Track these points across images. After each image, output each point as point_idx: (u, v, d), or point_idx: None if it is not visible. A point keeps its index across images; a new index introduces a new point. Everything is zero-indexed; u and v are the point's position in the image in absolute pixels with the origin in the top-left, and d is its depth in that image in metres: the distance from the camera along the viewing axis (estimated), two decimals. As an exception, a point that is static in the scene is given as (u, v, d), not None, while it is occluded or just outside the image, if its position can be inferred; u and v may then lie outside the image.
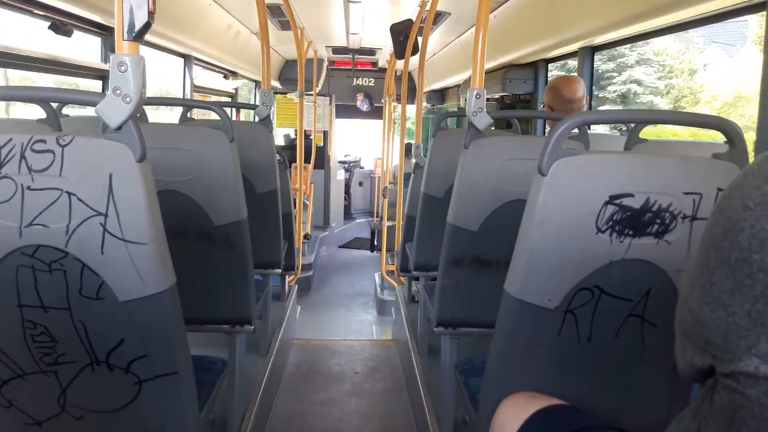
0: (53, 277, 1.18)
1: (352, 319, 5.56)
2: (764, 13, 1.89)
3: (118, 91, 1.10)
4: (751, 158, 1.76)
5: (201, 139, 1.96)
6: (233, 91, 6.42)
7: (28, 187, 1.13)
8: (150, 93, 1.12)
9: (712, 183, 1.20)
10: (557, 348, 1.33)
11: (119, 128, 1.12)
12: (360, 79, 8.59)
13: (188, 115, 2.76)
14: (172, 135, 1.97)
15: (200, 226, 2.00)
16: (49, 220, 1.15)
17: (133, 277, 1.19)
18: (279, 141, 8.55)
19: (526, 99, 4.33)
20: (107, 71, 3.20)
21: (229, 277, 2.09)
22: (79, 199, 1.14)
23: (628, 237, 1.23)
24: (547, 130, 3.81)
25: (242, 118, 6.87)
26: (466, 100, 1.86)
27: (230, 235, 2.03)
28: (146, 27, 1.10)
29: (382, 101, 7.04)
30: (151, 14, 1.10)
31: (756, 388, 0.43)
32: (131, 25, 1.09)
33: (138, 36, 1.10)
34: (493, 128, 1.98)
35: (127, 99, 1.10)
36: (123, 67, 1.10)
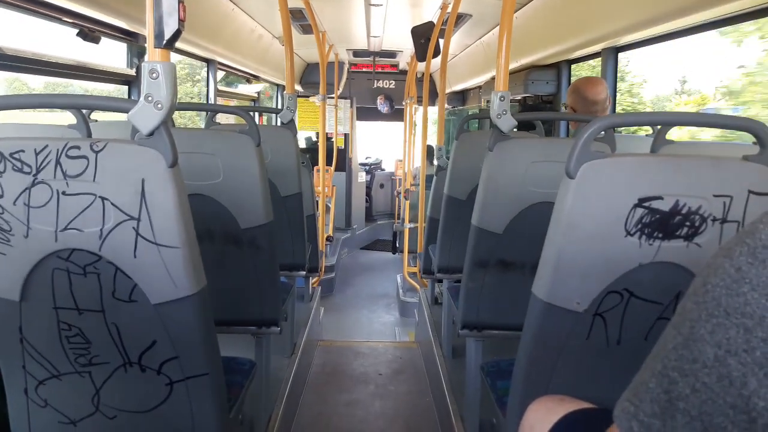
0: (87, 280, 1.21)
1: (374, 321, 5.57)
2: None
3: (150, 98, 1.12)
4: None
5: (228, 143, 1.98)
6: (256, 95, 6.47)
7: (63, 192, 1.16)
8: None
9: (742, 185, 1.19)
10: (586, 351, 1.32)
11: (151, 134, 1.14)
12: (381, 81, 8.60)
13: (213, 119, 2.80)
14: (200, 139, 2.00)
15: (227, 229, 2.02)
16: (83, 224, 1.17)
17: (165, 280, 1.21)
18: (301, 143, 8.60)
19: (548, 100, 4.30)
20: (133, 76, 3.26)
21: (256, 280, 2.12)
22: (112, 204, 1.16)
23: (658, 240, 1.22)
24: (570, 132, 3.78)
25: (264, 121, 6.93)
26: (488, 101, 1.85)
27: (257, 238, 2.05)
28: (177, 35, 1.12)
29: (403, 103, 7.04)
30: (181, 22, 1.12)
31: None
32: (161, 32, 1.11)
33: (169, 43, 1.12)
34: (515, 129, 1.97)
35: (159, 105, 1.12)
36: (155, 74, 1.12)
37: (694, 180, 1.19)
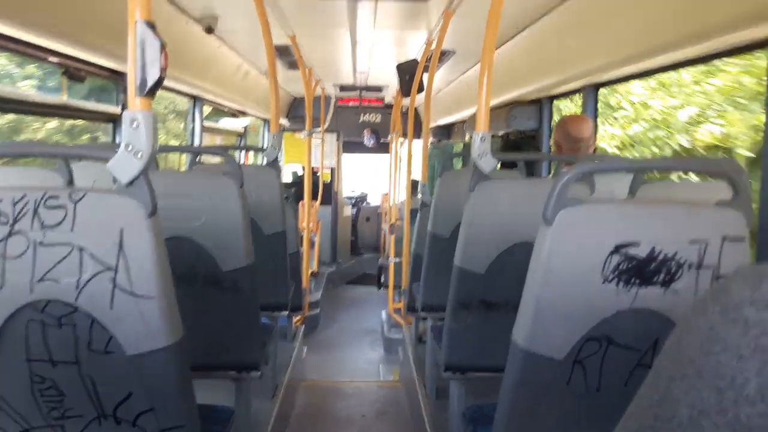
0: (62, 332, 1.19)
1: (359, 359, 5.51)
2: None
3: (130, 147, 1.12)
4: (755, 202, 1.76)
5: (210, 186, 1.98)
6: (242, 130, 6.49)
7: (40, 243, 1.14)
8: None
9: (717, 231, 1.20)
10: (566, 398, 1.32)
11: (131, 183, 1.14)
12: (367, 115, 8.67)
13: (197, 159, 2.80)
14: (182, 182, 1.99)
15: (208, 271, 2.00)
16: (59, 275, 1.15)
17: (142, 331, 1.19)
18: (286, 177, 8.61)
19: (531, 135, 4.36)
20: (118, 115, 3.26)
21: (237, 323, 2.09)
22: (89, 254, 1.15)
23: (635, 286, 1.22)
24: (552, 167, 3.82)
25: (251, 156, 6.94)
26: (471, 136, 1.87)
27: (238, 280, 2.03)
28: (158, 83, 1.12)
29: (389, 137, 7.10)
30: (163, 70, 1.12)
31: None
32: (143, 81, 1.12)
33: (150, 92, 1.12)
34: (498, 167, 1.99)
35: (139, 155, 1.12)
36: (135, 123, 1.12)
37: (670, 226, 1.21)
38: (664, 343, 1.23)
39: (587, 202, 1.24)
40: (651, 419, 0.46)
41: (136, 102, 1.13)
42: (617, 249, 1.20)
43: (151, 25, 1.10)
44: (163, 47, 1.10)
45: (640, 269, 1.22)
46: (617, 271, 1.22)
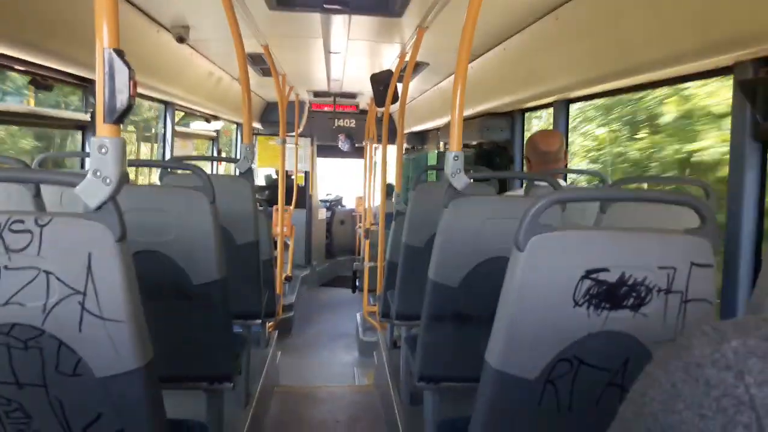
0: (29, 354, 1.17)
1: (333, 362, 5.50)
2: (731, 77, 1.97)
3: (98, 173, 1.11)
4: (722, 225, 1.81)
5: (181, 201, 1.96)
6: (215, 134, 6.43)
7: (5, 267, 1.12)
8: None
9: (685, 258, 1.24)
10: (538, 417, 1.34)
11: (99, 208, 1.13)
12: (341, 120, 8.65)
13: (168, 170, 2.77)
14: (153, 197, 1.97)
15: (179, 285, 1.99)
16: (25, 298, 1.13)
17: (111, 353, 1.17)
18: (260, 181, 8.55)
19: (503, 146, 4.40)
20: (88, 122, 3.20)
21: (208, 335, 2.08)
22: (57, 278, 1.13)
23: (605, 310, 1.25)
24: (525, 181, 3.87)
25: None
26: (446, 143, 1.89)
27: (209, 293, 2.02)
28: (127, 110, 1.11)
29: (364, 143, 7.10)
30: (132, 98, 1.11)
31: None
32: (112, 108, 1.10)
33: (119, 119, 1.11)
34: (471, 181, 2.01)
35: (108, 180, 1.11)
36: (104, 150, 1.11)
37: (639, 253, 1.24)
38: (634, 363, 1.26)
39: (558, 228, 1.26)
40: None
41: (104, 129, 1.11)
42: (587, 274, 1.23)
43: (120, 53, 1.09)
44: (132, 75, 1.09)
45: (611, 294, 1.24)
46: (588, 295, 1.24)
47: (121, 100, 1.10)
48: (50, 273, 1.13)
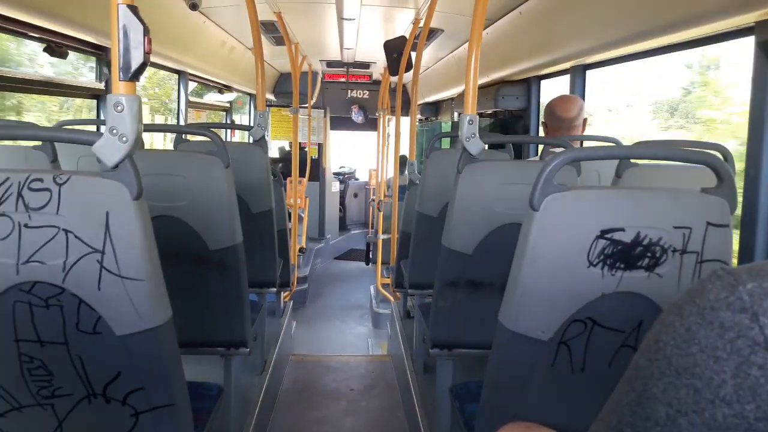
0: (50, 313, 1.19)
1: (347, 333, 5.55)
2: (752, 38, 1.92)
3: (114, 131, 1.11)
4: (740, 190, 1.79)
5: (196, 165, 1.97)
6: (228, 105, 6.43)
7: (26, 225, 1.14)
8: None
9: (701, 217, 1.22)
10: (551, 378, 1.34)
11: (116, 167, 1.13)
12: (354, 91, 8.60)
13: (183, 137, 2.77)
14: (168, 162, 1.98)
15: (195, 250, 2.01)
16: (46, 257, 1.15)
17: (130, 312, 1.19)
18: (273, 153, 8.56)
19: (519, 114, 4.36)
20: (102, 90, 3.21)
21: (225, 301, 2.10)
22: (76, 237, 1.14)
23: (620, 270, 1.24)
24: (539, 149, 3.83)
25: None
26: (460, 113, 1.87)
27: (225, 259, 2.04)
28: (142, 67, 1.11)
29: (377, 114, 7.07)
30: (147, 54, 1.11)
31: None
32: (127, 65, 1.10)
33: (134, 76, 1.11)
34: (486, 148, 1.99)
35: (124, 139, 1.11)
36: (119, 107, 1.11)
37: (655, 212, 1.22)
38: (647, 325, 1.26)
39: (573, 188, 1.25)
40: (629, 416, 0.47)
41: (120, 86, 1.11)
42: (602, 234, 1.22)
43: (134, 9, 1.08)
44: (146, 31, 1.09)
45: (625, 254, 1.23)
46: (602, 255, 1.23)
47: (136, 56, 1.10)
48: (69, 231, 1.14)
